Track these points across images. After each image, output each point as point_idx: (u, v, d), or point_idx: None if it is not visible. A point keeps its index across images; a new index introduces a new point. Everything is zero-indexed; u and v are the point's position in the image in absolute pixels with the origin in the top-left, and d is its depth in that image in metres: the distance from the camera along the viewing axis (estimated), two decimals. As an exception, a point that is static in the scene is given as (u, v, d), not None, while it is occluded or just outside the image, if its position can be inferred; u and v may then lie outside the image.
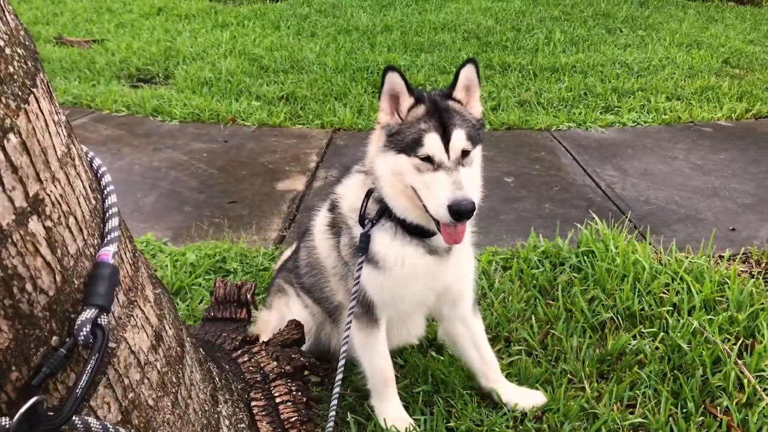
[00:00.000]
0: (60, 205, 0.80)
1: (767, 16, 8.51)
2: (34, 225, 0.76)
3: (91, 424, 0.82)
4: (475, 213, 1.71)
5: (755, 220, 3.67)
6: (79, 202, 0.84)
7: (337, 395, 1.81)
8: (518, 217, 3.70)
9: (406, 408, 2.15)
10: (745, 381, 2.25)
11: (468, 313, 2.18)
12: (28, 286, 0.76)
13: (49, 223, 0.78)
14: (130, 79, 6.20)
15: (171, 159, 4.43)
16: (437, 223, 1.77)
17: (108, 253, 0.85)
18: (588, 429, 2.10)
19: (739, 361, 2.33)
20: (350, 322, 1.90)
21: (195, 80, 5.90)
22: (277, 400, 1.57)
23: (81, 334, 0.79)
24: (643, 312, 2.65)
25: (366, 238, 1.90)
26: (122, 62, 6.50)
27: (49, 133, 0.81)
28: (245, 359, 1.66)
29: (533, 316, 2.65)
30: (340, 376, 1.87)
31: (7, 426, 0.74)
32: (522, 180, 4.20)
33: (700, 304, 2.65)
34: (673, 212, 3.76)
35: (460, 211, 1.65)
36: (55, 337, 0.79)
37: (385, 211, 1.90)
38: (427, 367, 2.36)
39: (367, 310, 2.01)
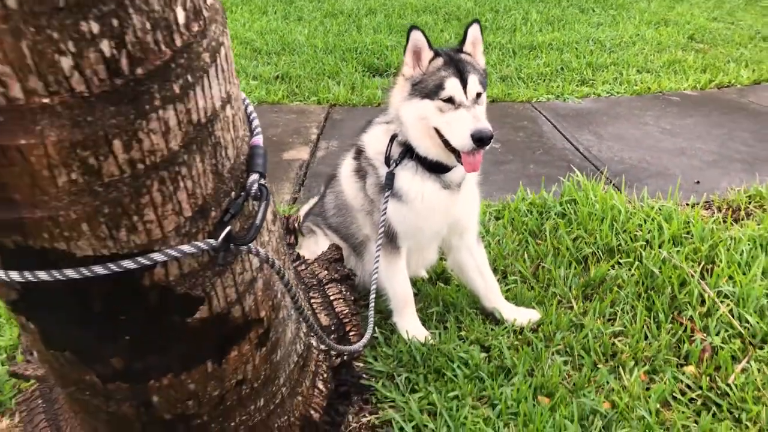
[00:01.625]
0: (236, 102, 1.14)
1: (730, -5, 8.98)
2: (228, 111, 1.10)
3: (259, 251, 1.16)
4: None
5: (717, 174, 4.09)
6: (240, 105, 1.18)
7: (373, 305, 2.18)
8: (506, 177, 4.08)
9: (423, 324, 2.53)
10: (706, 296, 2.66)
11: (473, 243, 2.56)
12: (223, 152, 1.09)
13: (232, 112, 1.11)
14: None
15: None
16: (458, 156, 2.14)
17: (259, 139, 1.18)
18: (577, 336, 2.50)
19: (701, 281, 2.75)
20: (379, 247, 2.27)
21: (193, 63, 6.18)
22: (331, 297, 1.93)
23: (252, 189, 1.13)
24: (620, 247, 3.05)
25: (391, 176, 2.26)
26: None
27: (230, 53, 1.14)
28: (302, 268, 2.01)
29: (525, 253, 3.05)
30: (373, 294, 2.24)
31: (215, 244, 1.09)
32: (508, 146, 4.58)
33: (668, 238, 3.06)
34: (644, 169, 4.17)
35: (482, 137, 2.03)
36: (233, 192, 1.13)
37: (407, 153, 2.27)
38: (438, 294, 2.74)
39: (390, 240, 2.38)
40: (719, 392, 2.25)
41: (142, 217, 1.01)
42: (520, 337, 2.51)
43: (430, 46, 2.21)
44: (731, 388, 2.24)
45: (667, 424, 2.12)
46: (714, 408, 2.20)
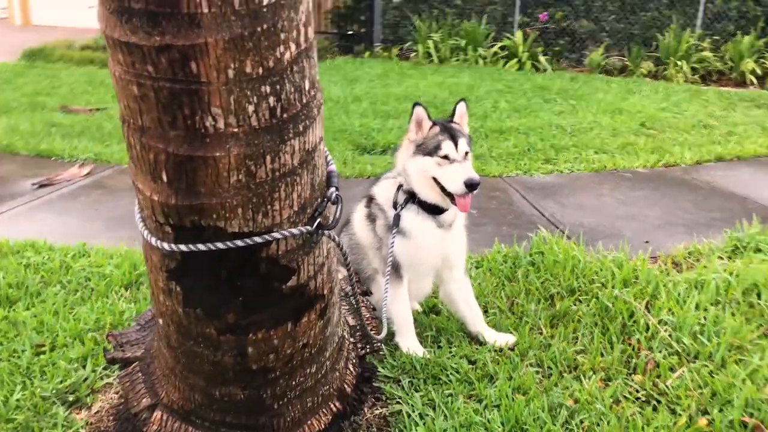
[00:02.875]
0: (323, 141, 1.75)
1: (676, 89, 10.05)
2: (321, 145, 1.70)
3: (334, 236, 1.74)
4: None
5: (663, 235, 4.78)
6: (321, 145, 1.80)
7: (387, 320, 2.75)
8: (483, 236, 4.71)
9: (424, 346, 3.08)
10: (650, 323, 3.26)
11: (461, 276, 3.16)
12: (317, 172, 1.66)
13: (322, 147, 1.71)
14: (138, 141, 7.09)
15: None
16: (452, 199, 2.76)
17: (333, 167, 1.78)
18: (546, 353, 3.06)
19: (647, 313, 3.36)
20: (388, 274, 2.85)
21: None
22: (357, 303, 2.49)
23: (332, 196, 1.71)
24: (580, 288, 3.66)
25: (398, 217, 2.88)
26: (128, 126, 7.39)
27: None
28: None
29: (502, 292, 3.64)
30: (385, 313, 2.80)
31: (311, 229, 1.65)
32: (483, 211, 5.25)
33: (620, 281, 3.68)
34: (600, 232, 4.85)
35: (472, 183, 2.68)
36: (319, 199, 1.71)
37: (410, 198, 2.89)
38: (431, 322, 3.30)
39: (395, 270, 2.96)
40: (659, 392, 2.82)
41: (273, 206, 1.57)
42: (500, 353, 3.07)
43: (429, 118, 2.89)
44: (668, 389, 2.82)
45: (618, 415, 2.67)
46: (655, 403, 2.76)
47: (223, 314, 1.74)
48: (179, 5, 1.30)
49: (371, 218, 3.06)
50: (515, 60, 11.64)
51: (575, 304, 3.51)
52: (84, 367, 2.86)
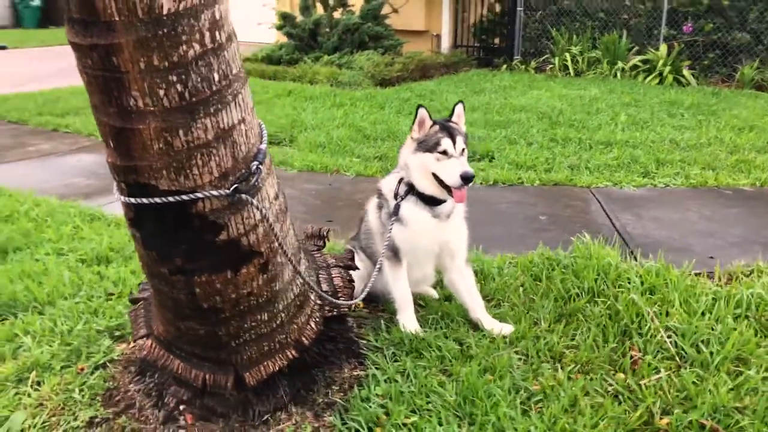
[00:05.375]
0: (249, 124, 2.16)
1: (833, 106, 9.16)
2: (241, 126, 2.12)
3: (253, 201, 2.15)
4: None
5: (736, 253, 4.57)
6: (253, 126, 2.20)
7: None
8: (542, 241, 4.81)
9: (421, 325, 3.36)
10: (652, 326, 3.28)
11: (462, 265, 3.41)
12: (238, 148, 2.09)
13: (244, 127, 2.12)
14: (263, 142, 7.94)
15: (288, 194, 5.92)
16: (449, 191, 3.06)
17: (264, 146, 2.19)
18: (536, 344, 3.21)
19: (654, 318, 3.36)
20: (384, 254, 3.19)
21: (312, 143, 7.54)
22: (333, 274, 2.86)
23: (252, 167, 2.13)
24: (602, 291, 3.72)
25: (397, 207, 3.21)
26: (258, 129, 8.29)
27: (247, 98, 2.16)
28: (318, 255, 2.97)
29: (521, 289, 3.80)
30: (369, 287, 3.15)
31: (227, 192, 2.08)
32: (553, 218, 5.34)
33: (647, 289, 3.69)
34: (666, 244, 4.74)
35: (467, 177, 3.00)
36: (243, 170, 2.14)
37: (409, 190, 3.21)
38: (440, 308, 3.57)
39: (395, 254, 3.29)
40: (631, 390, 2.89)
41: (192, 171, 2.02)
42: (492, 340, 3.27)
43: (430, 118, 3.18)
44: (641, 388, 2.87)
45: (573, 402, 2.79)
46: (621, 398, 2.84)
47: (172, 257, 2.21)
48: (99, 15, 1.80)
49: (379, 206, 3.41)
50: (655, 74, 11.21)
51: (588, 305, 3.58)
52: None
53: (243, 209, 2.20)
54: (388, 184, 3.37)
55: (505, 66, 13.26)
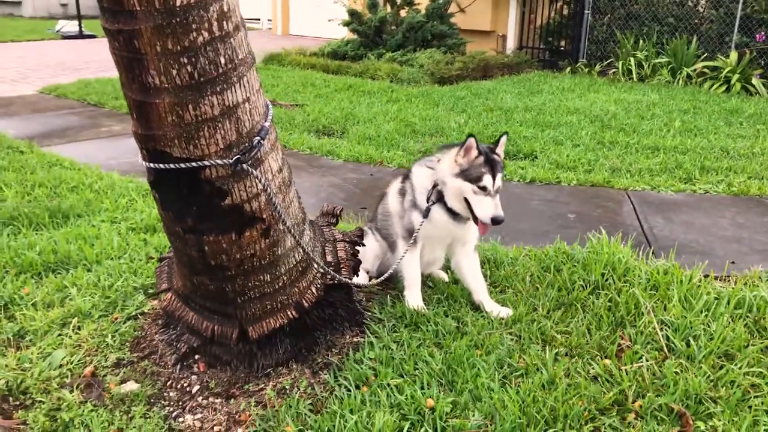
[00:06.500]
0: (253, 103, 2.46)
1: None
2: (246, 105, 2.39)
3: (252, 171, 2.46)
4: None
5: (758, 259, 4.59)
6: (258, 105, 2.50)
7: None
8: (564, 238, 4.95)
9: (426, 304, 3.60)
10: (646, 319, 3.40)
11: (470, 251, 3.64)
12: (242, 123, 2.37)
13: (249, 106, 2.41)
14: (317, 133, 8.32)
15: (331, 182, 6.28)
16: (476, 219, 3.31)
17: (268, 122, 2.48)
18: (530, 327, 3.40)
19: (651, 311, 3.48)
20: (405, 244, 3.49)
21: (362, 136, 7.86)
22: (338, 248, 3.14)
23: (255, 141, 2.42)
24: (607, 284, 3.86)
25: (428, 210, 3.46)
26: (313, 121, 8.68)
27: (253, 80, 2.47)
28: (327, 230, 3.27)
29: (527, 277, 3.98)
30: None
31: (230, 162, 2.38)
32: (582, 217, 5.45)
33: (651, 285, 3.80)
34: (689, 247, 4.80)
35: (497, 221, 3.23)
36: (247, 143, 2.44)
37: (440, 199, 3.45)
38: (446, 290, 3.80)
39: (414, 242, 3.54)
40: (611, 374, 3.04)
41: (200, 141, 2.33)
42: (494, 322, 3.47)
43: (477, 147, 3.33)
44: (622, 373, 3.02)
45: (551, 379, 2.96)
46: (600, 380, 3.00)
47: (185, 218, 2.54)
48: (123, 5, 2.14)
49: (402, 192, 3.67)
50: (722, 81, 10.96)
51: (591, 296, 3.73)
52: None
53: (245, 178, 2.50)
54: (420, 178, 3.58)
55: (568, 69, 13.22)
